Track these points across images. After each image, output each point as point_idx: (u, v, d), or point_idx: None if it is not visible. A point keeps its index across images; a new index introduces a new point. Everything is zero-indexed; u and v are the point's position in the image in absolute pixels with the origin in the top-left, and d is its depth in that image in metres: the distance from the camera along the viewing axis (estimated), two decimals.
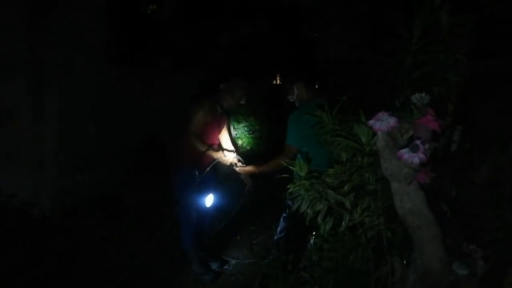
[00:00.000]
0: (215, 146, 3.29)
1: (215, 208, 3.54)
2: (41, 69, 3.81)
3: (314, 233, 1.97)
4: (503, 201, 1.68)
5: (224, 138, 3.51)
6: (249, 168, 3.19)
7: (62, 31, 3.91)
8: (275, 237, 3.06)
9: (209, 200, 3.40)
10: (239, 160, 3.23)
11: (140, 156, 5.09)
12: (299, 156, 2.75)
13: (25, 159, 3.85)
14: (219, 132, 3.43)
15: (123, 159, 4.84)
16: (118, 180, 4.66)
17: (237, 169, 3.20)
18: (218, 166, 3.34)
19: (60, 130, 4.00)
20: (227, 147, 3.46)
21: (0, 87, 3.64)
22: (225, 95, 3.30)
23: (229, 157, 3.24)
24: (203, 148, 3.15)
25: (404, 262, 1.67)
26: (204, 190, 3.34)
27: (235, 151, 3.35)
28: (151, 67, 5.60)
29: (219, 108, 3.29)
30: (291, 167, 1.89)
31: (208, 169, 3.18)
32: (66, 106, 4.01)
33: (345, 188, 1.72)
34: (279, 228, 3.05)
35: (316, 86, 3.34)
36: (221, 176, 3.47)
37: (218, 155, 3.19)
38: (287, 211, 2.95)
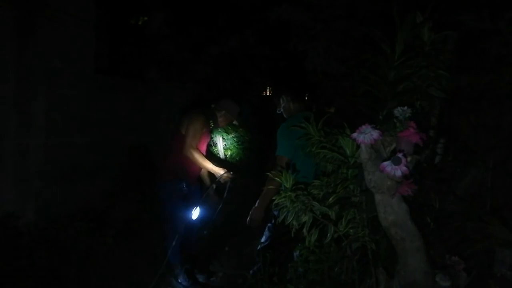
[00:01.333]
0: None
1: (201, 220, 3.53)
2: (28, 79, 3.78)
3: (300, 244, 1.97)
4: (484, 213, 1.71)
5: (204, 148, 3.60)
6: (257, 212, 2.81)
7: (50, 42, 3.90)
8: (258, 247, 3.06)
9: (195, 212, 3.39)
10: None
11: (128, 168, 5.04)
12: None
13: (9, 171, 3.79)
14: (204, 144, 3.50)
15: (110, 171, 4.79)
16: (105, 192, 4.61)
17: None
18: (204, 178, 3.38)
19: (45, 141, 3.95)
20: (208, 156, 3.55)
21: None
22: (217, 116, 3.42)
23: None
24: (219, 171, 3.23)
25: (389, 273, 1.68)
26: (190, 203, 3.34)
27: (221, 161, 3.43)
28: (140, 79, 5.59)
29: (211, 122, 3.41)
30: (277, 179, 1.91)
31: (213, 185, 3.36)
32: (53, 117, 3.96)
33: (330, 199, 1.73)
34: (263, 238, 3.06)
35: (306, 98, 3.39)
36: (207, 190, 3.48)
37: (227, 175, 3.26)
38: (273, 221, 2.96)
